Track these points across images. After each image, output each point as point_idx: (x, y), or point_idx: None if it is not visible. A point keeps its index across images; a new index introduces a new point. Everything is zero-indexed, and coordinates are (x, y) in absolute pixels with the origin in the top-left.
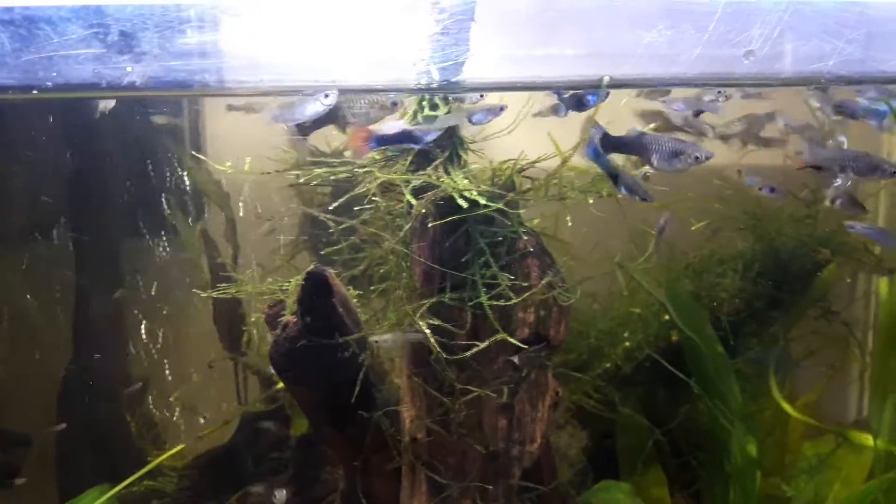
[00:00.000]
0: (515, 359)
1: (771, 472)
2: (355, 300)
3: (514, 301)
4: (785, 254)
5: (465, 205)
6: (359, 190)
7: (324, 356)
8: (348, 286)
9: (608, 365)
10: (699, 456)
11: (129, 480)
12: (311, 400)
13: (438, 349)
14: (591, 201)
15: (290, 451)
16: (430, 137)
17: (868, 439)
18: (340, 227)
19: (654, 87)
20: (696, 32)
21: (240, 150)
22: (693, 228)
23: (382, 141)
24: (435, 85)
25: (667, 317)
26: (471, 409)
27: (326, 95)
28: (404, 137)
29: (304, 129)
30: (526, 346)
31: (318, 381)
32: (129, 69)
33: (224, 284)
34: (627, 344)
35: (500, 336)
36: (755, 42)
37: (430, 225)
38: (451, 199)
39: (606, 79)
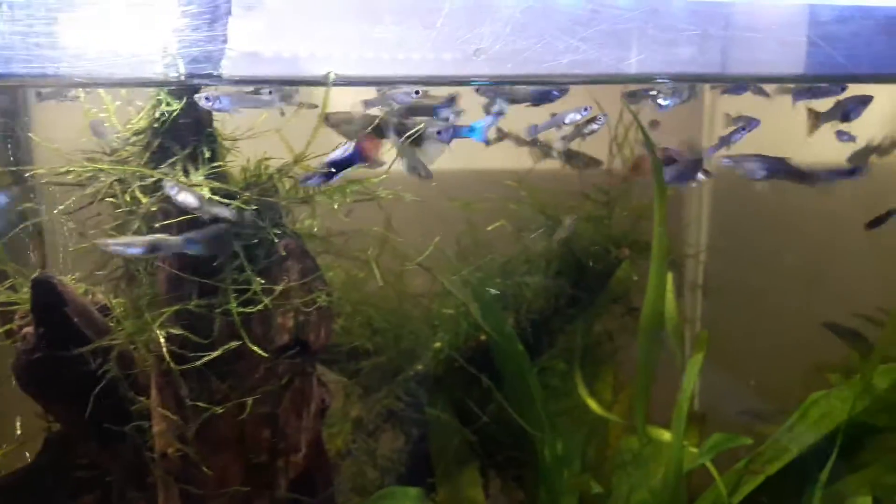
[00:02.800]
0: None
1: (592, 468)
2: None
3: (261, 306)
4: (581, 253)
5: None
6: (91, 189)
7: (65, 368)
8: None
9: (420, 367)
10: (517, 454)
11: None
12: (67, 415)
13: (170, 360)
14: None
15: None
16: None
17: (665, 434)
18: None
19: (383, 84)
20: (424, 29)
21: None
22: (489, 228)
23: None
24: (183, 78)
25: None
26: (231, 421)
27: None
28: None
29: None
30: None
31: (63, 394)
32: None
33: None
34: (438, 345)
35: (237, 345)
36: (486, 40)
37: (173, 227)
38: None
39: (332, 76)
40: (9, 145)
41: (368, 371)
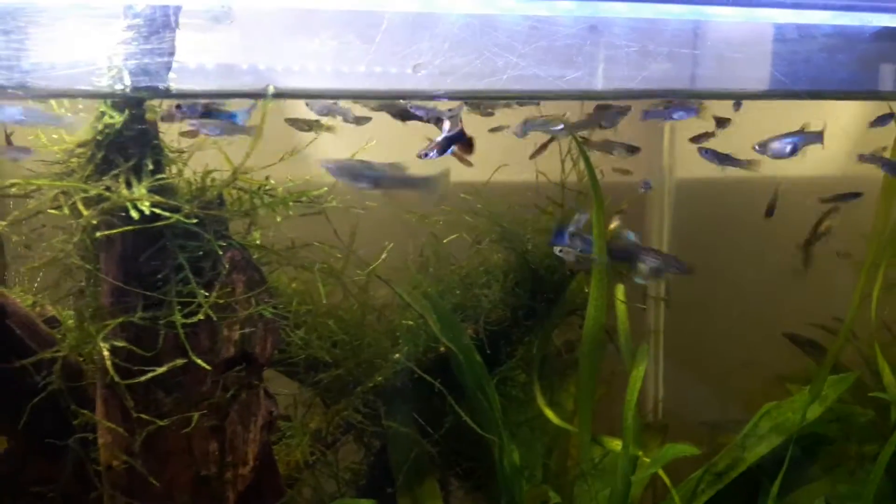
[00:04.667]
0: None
1: (553, 478)
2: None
3: (200, 316)
4: (536, 265)
5: (136, 216)
6: (34, 203)
7: (6, 381)
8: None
9: (379, 378)
10: (476, 465)
11: None
12: (11, 429)
13: (114, 373)
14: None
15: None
16: None
17: (616, 443)
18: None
19: (322, 97)
20: (362, 44)
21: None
22: (445, 241)
23: None
24: (128, 91)
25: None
26: (178, 433)
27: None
28: None
29: None
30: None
31: (6, 407)
32: None
33: None
34: (397, 356)
35: (183, 361)
36: (425, 55)
37: (116, 239)
38: (145, 212)
39: (271, 89)
40: None
41: (328, 383)
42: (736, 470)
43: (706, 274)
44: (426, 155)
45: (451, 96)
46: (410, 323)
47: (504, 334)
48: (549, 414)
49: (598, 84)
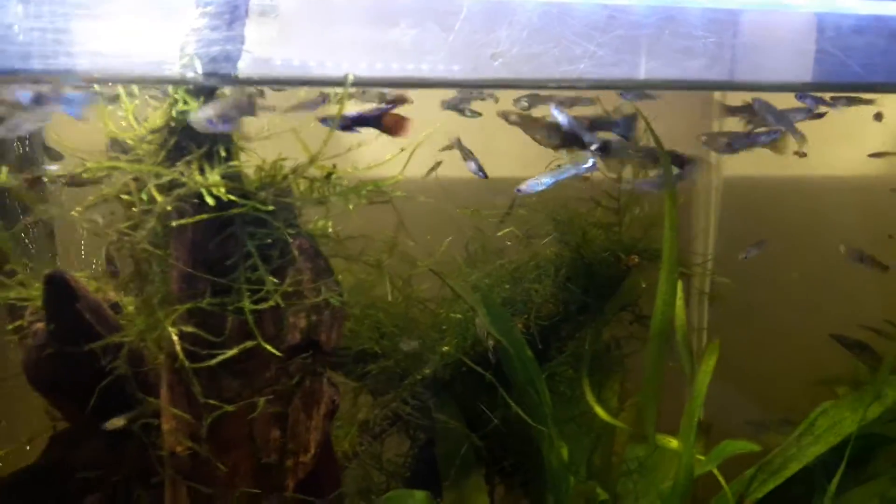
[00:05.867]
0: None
1: (597, 476)
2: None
3: (270, 304)
4: (591, 260)
5: (212, 202)
6: (107, 189)
7: (75, 365)
8: None
9: (427, 371)
10: (523, 461)
11: None
12: (75, 412)
13: (184, 358)
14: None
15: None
16: None
17: (672, 441)
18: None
19: (403, 87)
20: (441, 32)
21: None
22: (499, 234)
23: None
24: (200, 78)
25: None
26: (241, 420)
27: None
28: None
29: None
30: (305, 353)
31: (72, 391)
32: None
33: None
34: (446, 349)
35: (252, 344)
36: (503, 44)
37: (187, 226)
38: (217, 199)
39: (351, 77)
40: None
41: (375, 374)
42: (789, 469)
43: (752, 272)
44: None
45: (529, 85)
46: (459, 316)
47: (554, 329)
48: (600, 411)
49: (673, 74)
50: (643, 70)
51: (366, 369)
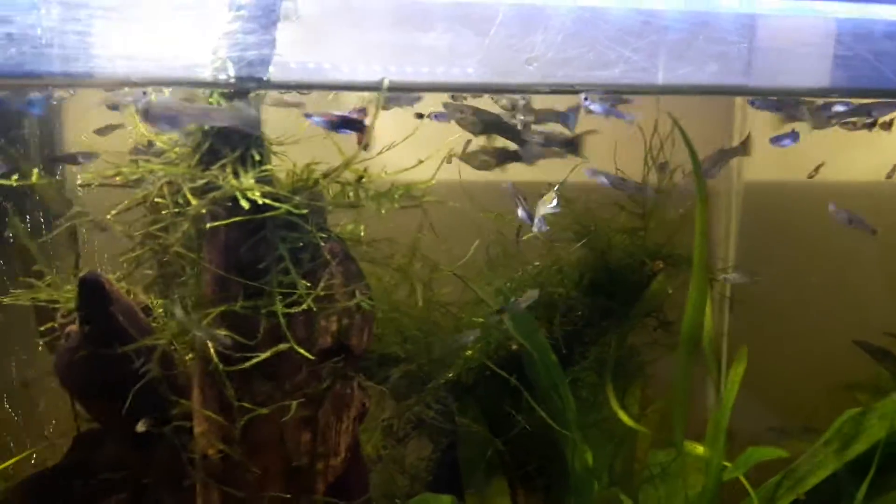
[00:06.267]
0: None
1: (619, 481)
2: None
3: (302, 308)
4: (615, 265)
5: (246, 206)
6: (142, 192)
7: (107, 367)
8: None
9: (450, 375)
10: (546, 465)
11: None
12: (106, 414)
13: (217, 361)
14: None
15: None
16: None
17: (697, 447)
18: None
19: (437, 91)
20: (476, 37)
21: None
22: (525, 238)
23: None
24: (232, 81)
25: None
26: (272, 423)
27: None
28: None
29: None
30: (335, 357)
31: (104, 393)
32: None
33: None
34: (469, 353)
35: (286, 347)
36: (538, 48)
37: (220, 229)
38: (250, 202)
39: (386, 82)
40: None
41: (398, 378)
42: (816, 476)
43: (773, 278)
44: (310, 116)
45: (564, 90)
46: (482, 320)
47: (577, 335)
48: (624, 417)
49: (707, 79)
50: (678, 75)
51: (389, 373)
